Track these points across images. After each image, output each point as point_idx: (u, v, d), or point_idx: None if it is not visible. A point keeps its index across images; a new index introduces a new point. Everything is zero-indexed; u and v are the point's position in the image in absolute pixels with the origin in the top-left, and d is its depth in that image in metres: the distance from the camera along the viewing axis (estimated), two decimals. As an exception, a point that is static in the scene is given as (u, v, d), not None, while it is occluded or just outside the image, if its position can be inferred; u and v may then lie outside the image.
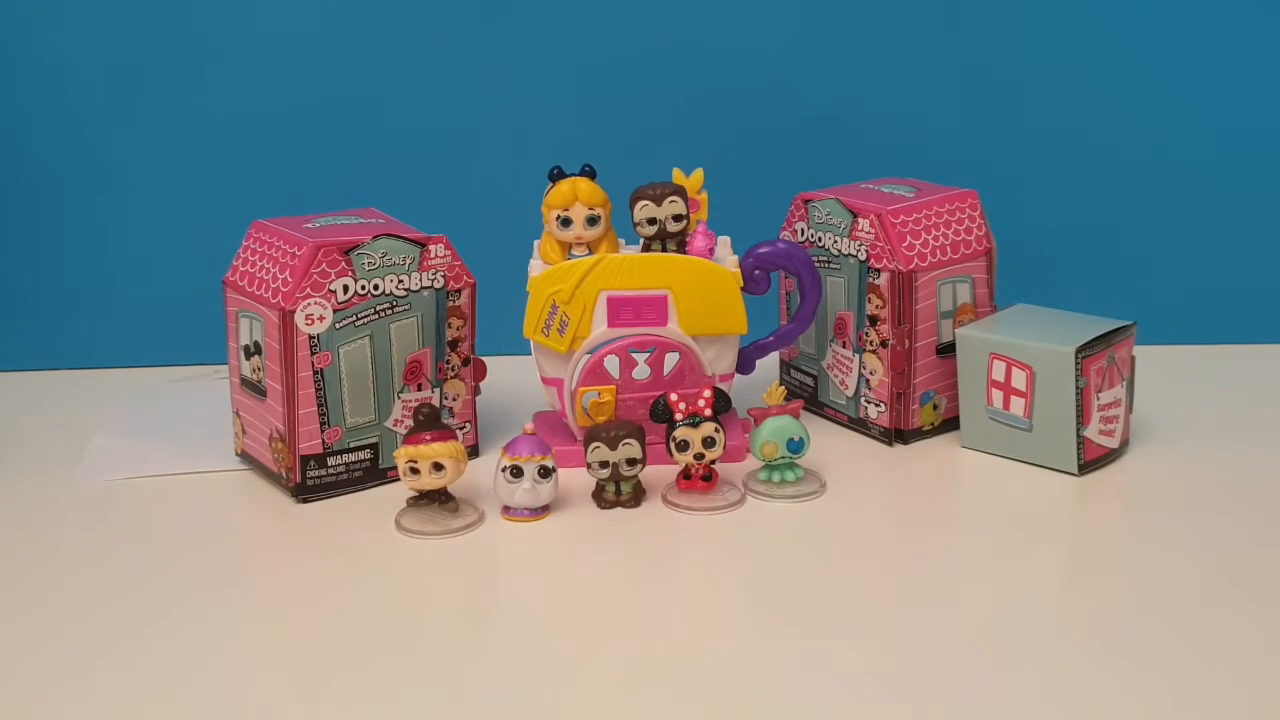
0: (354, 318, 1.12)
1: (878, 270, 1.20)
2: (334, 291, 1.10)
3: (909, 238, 1.20)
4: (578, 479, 1.14)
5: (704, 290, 1.16)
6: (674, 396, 1.11)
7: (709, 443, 1.11)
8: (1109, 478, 1.16)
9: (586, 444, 1.10)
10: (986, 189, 1.27)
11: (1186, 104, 1.44)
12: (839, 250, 1.24)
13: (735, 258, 1.19)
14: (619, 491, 1.12)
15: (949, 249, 1.22)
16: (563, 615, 0.97)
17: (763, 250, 1.19)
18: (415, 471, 1.07)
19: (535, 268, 1.17)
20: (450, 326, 1.17)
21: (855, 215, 1.22)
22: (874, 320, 1.22)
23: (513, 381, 1.29)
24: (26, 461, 1.21)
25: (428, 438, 1.06)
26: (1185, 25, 1.42)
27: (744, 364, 1.22)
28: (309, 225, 1.15)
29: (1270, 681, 0.87)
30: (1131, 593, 0.98)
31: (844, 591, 0.99)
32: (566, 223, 1.14)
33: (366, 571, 1.02)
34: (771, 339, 1.25)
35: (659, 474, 1.14)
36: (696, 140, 1.42)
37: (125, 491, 1.16)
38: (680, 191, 1.16)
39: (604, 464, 1.10)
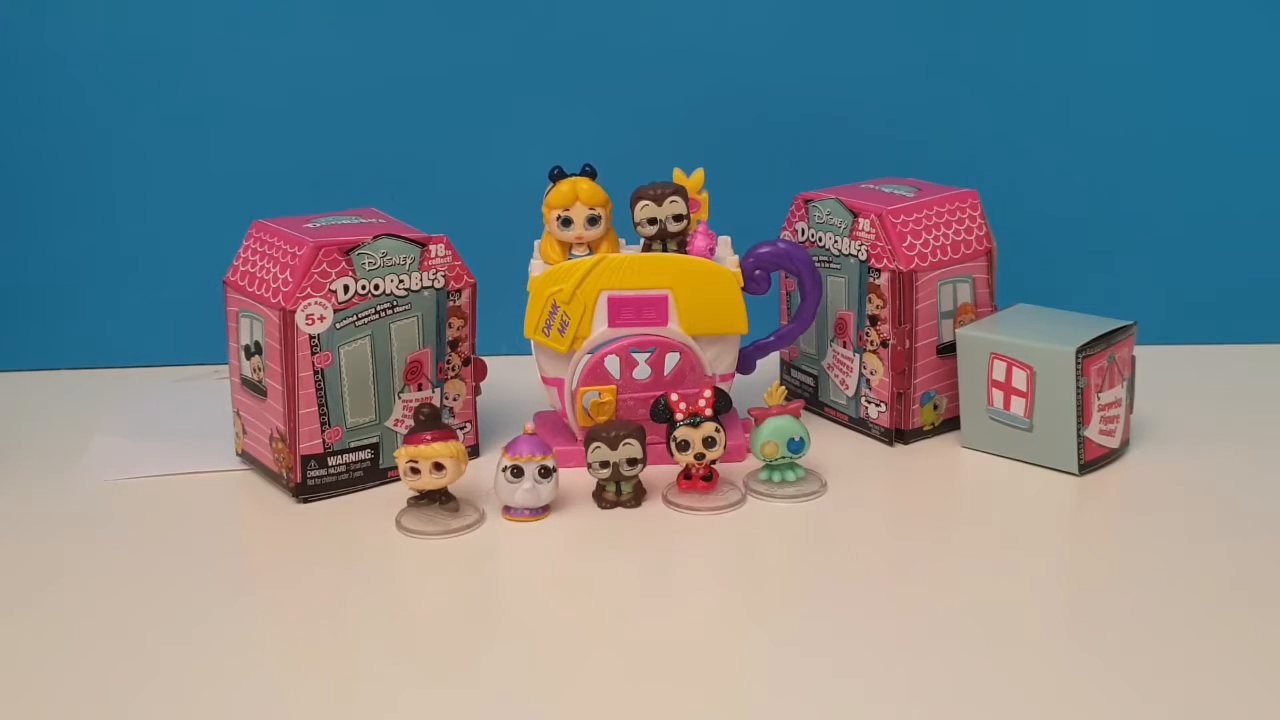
0: (354, 318, 1.12)
1: (878, 270, 1.20)
2: (334, 291, 1.10)
3: (909, 238, 1.20)
4: (578, 479, 1.14)
5: (704, 290, 1.16)
6: (674, 396, 1.11)
7: (709, 443, 1.11)
8: (1109, 478, 1.16)
9: (587, 444, 1.10)
10: (986, 189, 1.27)
11: (1188, 104, 1.44)
12: (839, 250, 1.24)
13: (736, 258, 1.19)
14: (619, 491, 1.12)
15: (949, 249, 1.22)
16: (563, 615, 0.97)
17: (763, 250, 1.19)
18: (416, 471, 1.07)
19: (535, 268, 1.17)
20: (451, 326, 1.17)
21: (856, 215, 1.22)
22: (874, 320, 1.22)
23: (513, 381, 1.29)
24: (26, 461, 1.21)
25: (428, 438, 1.06)
26: (1188, 27, 1.42)
27: (744, 364, 1.22)
28: (309, 225, 1.15)
29: (1270, 683, 0.87)
30: (1131, 593, 0.98)
31: (844, 591, 0.99)
32: (567, 223, 1.14)
33: (366, 571, 1.02)
34: (772, 339, 1.25)
35: (659, 474, 1.14)
36: (696, 140, 1.42)
37: (125, 491, 1.15)
38: (681, 191, 1.16)
39: (604, 464, 1.10)
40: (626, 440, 1.10)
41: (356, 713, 0.85)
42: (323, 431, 1.12)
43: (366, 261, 1.11)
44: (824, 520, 1.10)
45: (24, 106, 1.41)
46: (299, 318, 1.09)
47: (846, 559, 1.04)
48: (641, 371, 1.16)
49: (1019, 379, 1.17)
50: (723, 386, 1.15)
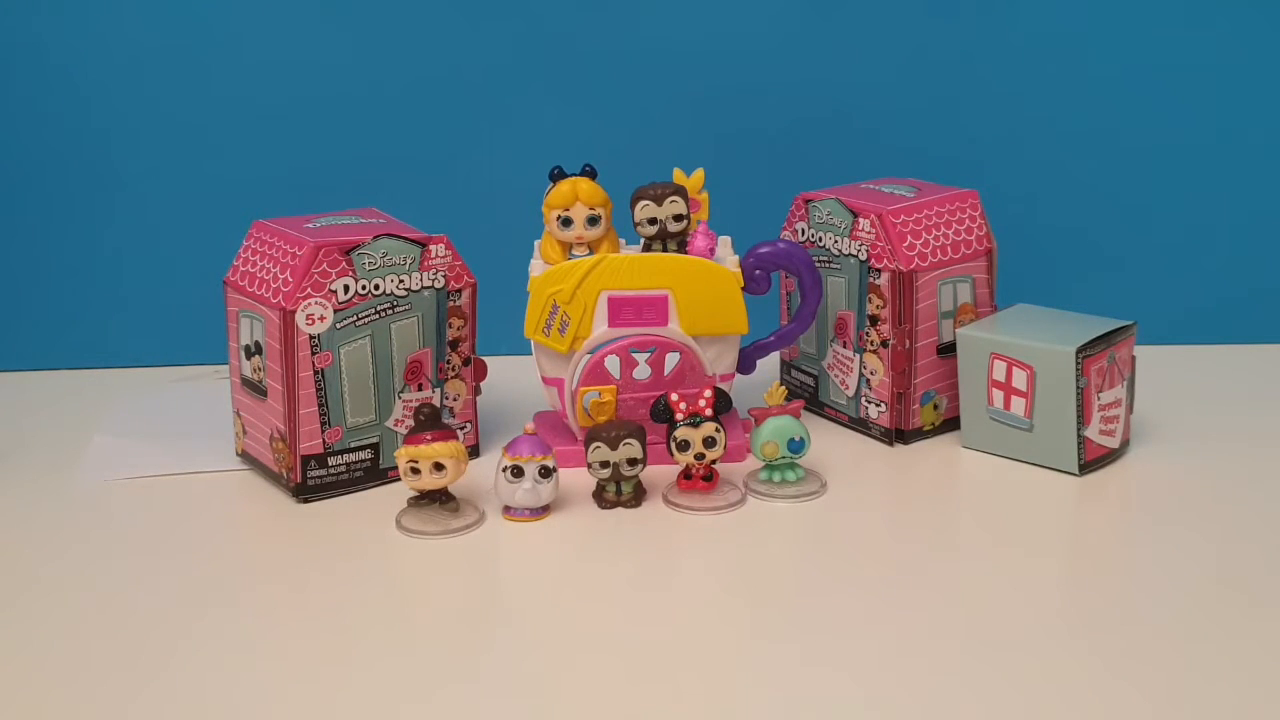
0: (354, 318, 1.12)
1: (878, 270, 1.20)
2: (335, 291, 1.10)
3: (909, 238, 1.20)
4: (578, 479, 1.14)
5: (705, 290, 1.16)
6: (675, 396, 1.11)
7: (709, 443, 1.11)
8: (1109, 478, 1.16)
9: (587, 444, 1.10)
10: (986, 189, 1.27)
11: (1187, 105, 1.44)
12: (839, 250, 1.24)
13: (736, 258, 1.19)
14: (620, 491, 1.12)
15: (949, 249, 1.22)
16: (563, 615, 0.97)
17: (763, 250, 1.19)
18: (416, 471, 1.07)
19: (536, 268, 1.17)
20: (451, 326, 1.17)
21: (856, 215, 1.22)
22: (874, 320, 1.22)
23: (513, 381, 1.29)
24: (26, 461, 1.21)
25: (428, 438, 1.06)
26: (1188, 27, 1.42)
27: (744, 364, 1.22)
28: (309, 225, 1.15)
29: (1269, 682, 0.87)
30: (1131, 593, 0.98)
31: (844, 591, 0.99)
32: (567, 223, 1.14)
33: (367, 571, 1.02)
34: (772, 339, 1.25)
35: (660, 474, 1.14)
36: (697, 140, 1.42)
37: (125, 491, 1.15)
38: (681, 191, 1.16)
39: (605, 464, 1.10)
40: (626, 440, 1.10)
41: (356, 712, 0.85)
42: (323, 431, 1.12)
43: (366, 261, 1.11)
44: (824, 520, 1.10)
45: (24, 106, 1.41)
46: (299, 318, 1.09)
47: (846, 559, 1.04)
48: (641, 371, 1.16)
49: (1019, 379, 1.17)
50: (723, 386, 1.15)
